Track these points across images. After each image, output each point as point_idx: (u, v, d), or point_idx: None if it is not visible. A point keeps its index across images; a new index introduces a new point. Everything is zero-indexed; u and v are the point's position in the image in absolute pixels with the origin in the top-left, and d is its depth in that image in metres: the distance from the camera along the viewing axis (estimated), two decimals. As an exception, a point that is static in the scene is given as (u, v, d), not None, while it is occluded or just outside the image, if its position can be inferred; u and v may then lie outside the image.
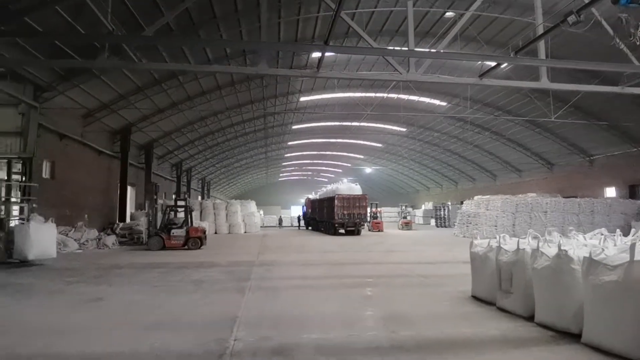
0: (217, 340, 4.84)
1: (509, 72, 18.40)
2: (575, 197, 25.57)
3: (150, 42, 12.57)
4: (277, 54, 20.21)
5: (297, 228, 39.30)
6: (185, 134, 29.60)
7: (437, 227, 38.74)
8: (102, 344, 4.83)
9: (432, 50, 16.24)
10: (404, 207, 36.42)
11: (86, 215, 19.12)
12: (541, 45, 10.23)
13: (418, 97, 28.61)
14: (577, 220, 22.81)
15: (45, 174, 16.26)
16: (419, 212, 49.75)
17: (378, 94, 28.00)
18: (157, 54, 16.39)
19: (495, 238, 6.96)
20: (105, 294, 7.66)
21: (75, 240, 15.83)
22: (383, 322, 5.82)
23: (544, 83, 10.75)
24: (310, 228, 35.11)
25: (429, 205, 48.41)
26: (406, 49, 10.34)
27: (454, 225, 28.24)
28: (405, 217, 35.15)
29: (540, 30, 10.10)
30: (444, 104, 29.61)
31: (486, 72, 11.06)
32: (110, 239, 17.44)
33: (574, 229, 6.50)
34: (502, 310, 6.28)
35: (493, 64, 11.35)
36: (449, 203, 41.14)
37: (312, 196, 38.00)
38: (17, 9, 11.41)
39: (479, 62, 17.83)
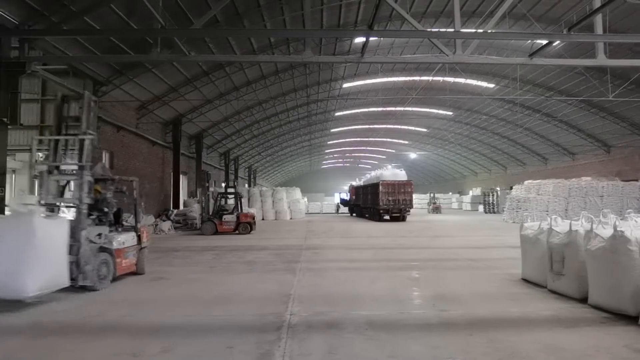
0: (274, 314, 5.17)
1: (561, 50, 17.59)
2: (636, 180, 24.21)
3: (199, 34, 13.10)
4: (320, 41, 20.31)
5: (337, 213, 39.52)
6: (232, 123, 30.41)
7: (486, 213, 37.87)
8: (170, 315, 5.27)
9: (479, 30, 15.83)
10: (432, 195, 43.80)
11: (143, 203, 20.16)
12: (598, 19, 9.78)
13: (465, 80, 27.89)
14: (638, 205, 21.65)
15: (105, 163, 17.29)
16: (466, 198, 48.76)
17: (423, 77, 27.54)
18: (204, 46, 16.94)
19: (546, 220, 6.87)
20: (167, 274, 8.21)
21: (134, 225, 16.81)
22: (432, 301, 5.94)
23: (601, 60, 10.29)
24: (354, 215, 35.26)
25: (477, 191, 47.35)
26: (452, 30, 10.19)
27: (503, 211, 27.54)
28: (434, 203, 41.14)
29: (598, 3, 9.66)
30: (491, 85, 28.70)
31: (537, 51, 10.72)
32: (166, 225, 18.45)
33: (633, 211, 6.30)
34: (553, 292, 6.23)
35: (544, 42, 10.97)
36: (498, 188, 40.03)
37: (355, 183, 38.05)
38: (78, 9, 12.18)
39: (529, 41, 17.21)
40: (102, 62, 15.98)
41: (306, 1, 13.80)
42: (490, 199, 38.29)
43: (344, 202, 39.07)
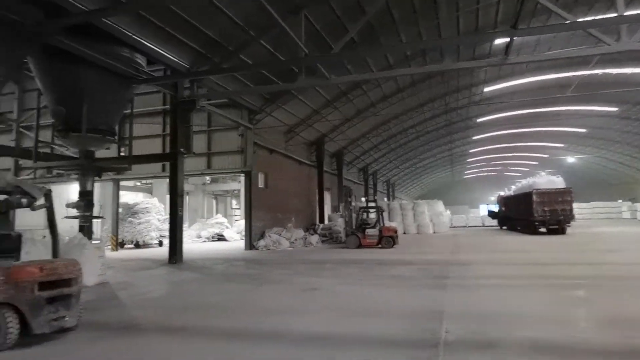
0: (428, 330, 5.09)
1: None
2: None
3: (338, 57, 13.74)
4: (458, 47, 19.69)
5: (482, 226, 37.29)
6: (369, 139, 31.04)
7: (670, 222, 32.03)
8: (322, 325, 5.57)
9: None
10: None
11: (293, 218, 21.79)
12: None
13: (631, 69, 24.21)
14: None
15: (261, 183, 19.20)
16: (641, 206, 41.99)
17: (577, 73, 24.62)
18: (342, 67, 17.70)
19: None
20: (318, 285, 8.70)
21: (286, 239, 18.40)
22: (608, 325, 5.27)
23: None
24: (504, 228, 32.83)
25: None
26: (614, 15, 9.01)
27: (696, 219, 22.96)
28: None
29: None
30: (669, 71, 24.37)
31: None
32: (314, 238, 19.72)
33: None
34: None
35: None
36: (686, 192, 33.55)
37: (504, 193, 35.51)
38: (234, 49, 13.89)
39: None
40: (255, 93, 17.80)
41: (441, 10, 13.61)
42: (676, 205, 32.29)
43: (492, 214, 36.69)
